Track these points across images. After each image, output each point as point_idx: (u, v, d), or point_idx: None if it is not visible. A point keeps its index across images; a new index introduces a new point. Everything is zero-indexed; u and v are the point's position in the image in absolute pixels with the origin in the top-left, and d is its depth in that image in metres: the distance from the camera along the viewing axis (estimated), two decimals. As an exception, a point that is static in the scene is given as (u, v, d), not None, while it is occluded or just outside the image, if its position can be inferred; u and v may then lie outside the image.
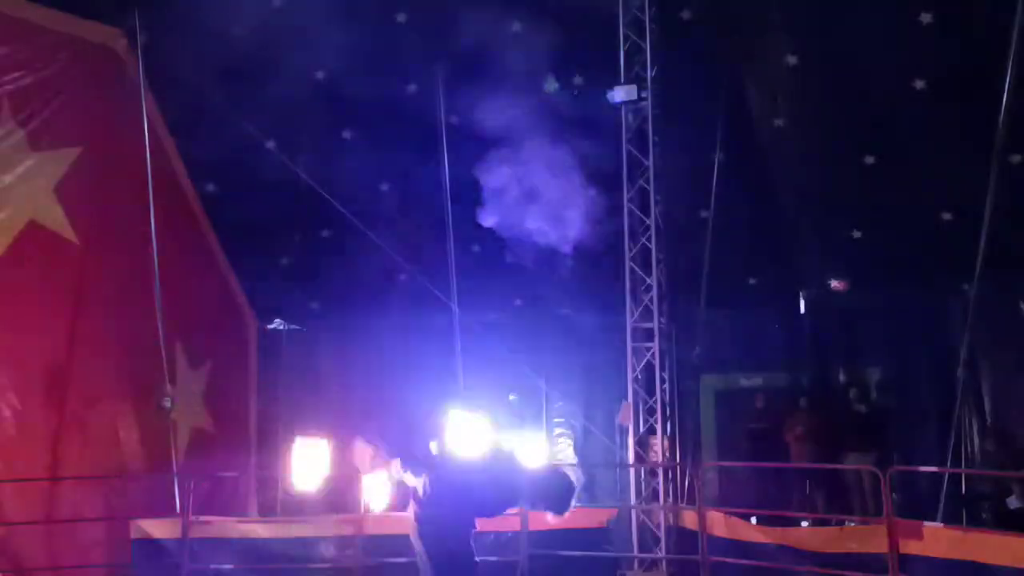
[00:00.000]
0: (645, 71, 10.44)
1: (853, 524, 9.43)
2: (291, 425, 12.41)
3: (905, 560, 7.62)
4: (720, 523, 8.97)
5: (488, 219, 11.10)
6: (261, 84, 10.86)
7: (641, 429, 10.50)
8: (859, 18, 10.07)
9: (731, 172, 10.90)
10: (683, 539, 9.57)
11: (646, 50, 10.42)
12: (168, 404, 10.05)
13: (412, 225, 11.70)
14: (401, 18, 10.90)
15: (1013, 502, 9.61)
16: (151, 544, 9.05)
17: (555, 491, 4.97)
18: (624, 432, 10.86)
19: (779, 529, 8.88)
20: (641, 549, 10.00)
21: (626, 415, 10.61)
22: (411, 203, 11.74)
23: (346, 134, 11.69)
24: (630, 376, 10.64)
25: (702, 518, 8.83)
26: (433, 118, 10.94)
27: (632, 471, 10.58)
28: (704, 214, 11.04)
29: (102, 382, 9.94)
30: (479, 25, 10.42)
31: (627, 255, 10.68)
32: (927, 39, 9.98)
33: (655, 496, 10.22)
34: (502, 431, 7.96)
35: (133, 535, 9.08)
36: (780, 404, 11.58)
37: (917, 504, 10.03)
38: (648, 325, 10.65)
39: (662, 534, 9.91)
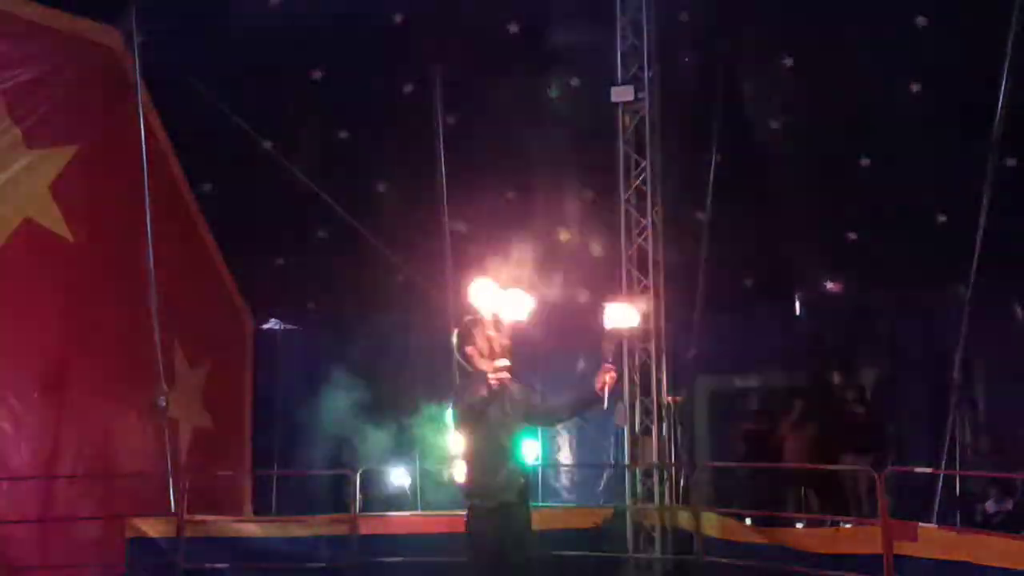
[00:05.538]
0: (643, 72, 10.44)
1: (848, 525, 9.44)
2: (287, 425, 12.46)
3: (900, 561, 7.61)
4: (715, 524, 8.97)
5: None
6: (259, 84, 10.87)
7: (636, 429, 10.49)
8: (855, 20, 10.09)
9: (727, 173, 10.91)
10: (678, 540, 9.56)
11: (644, 50, 10.42)
12: (163, 403, 10.03)
13: (409, 225, 11.69)
14: (399, 18, 10.89)
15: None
16: (146, 543, 9.02)
17: None
18: (620, 432, 10.85)
19: (774, 530, 8.89)
20: (636, 550, 9.99)
21: (622, 416, 10.60)
22: (408, 203, 11.74)
23: (343, 134, 11.69)
24: (627, 376, 10.62)
25: (697, 519, 8.83)
26: (430, 118, 10.93)
27: (627, 471, 10.58)
28: (700, 215, 11.05)
29: (98, 381, 9.91)
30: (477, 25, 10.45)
31: (624, 256, 10.67)
32: (923, 42, 10.01)
33: (650, 497, 10.22)
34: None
35: (128, 534, 9.03)
36: (775, 405, 11.60)
37: (912, 505, 10.05)
38: (645, 325, 10.63)
39: (657, 535, 9.90)
